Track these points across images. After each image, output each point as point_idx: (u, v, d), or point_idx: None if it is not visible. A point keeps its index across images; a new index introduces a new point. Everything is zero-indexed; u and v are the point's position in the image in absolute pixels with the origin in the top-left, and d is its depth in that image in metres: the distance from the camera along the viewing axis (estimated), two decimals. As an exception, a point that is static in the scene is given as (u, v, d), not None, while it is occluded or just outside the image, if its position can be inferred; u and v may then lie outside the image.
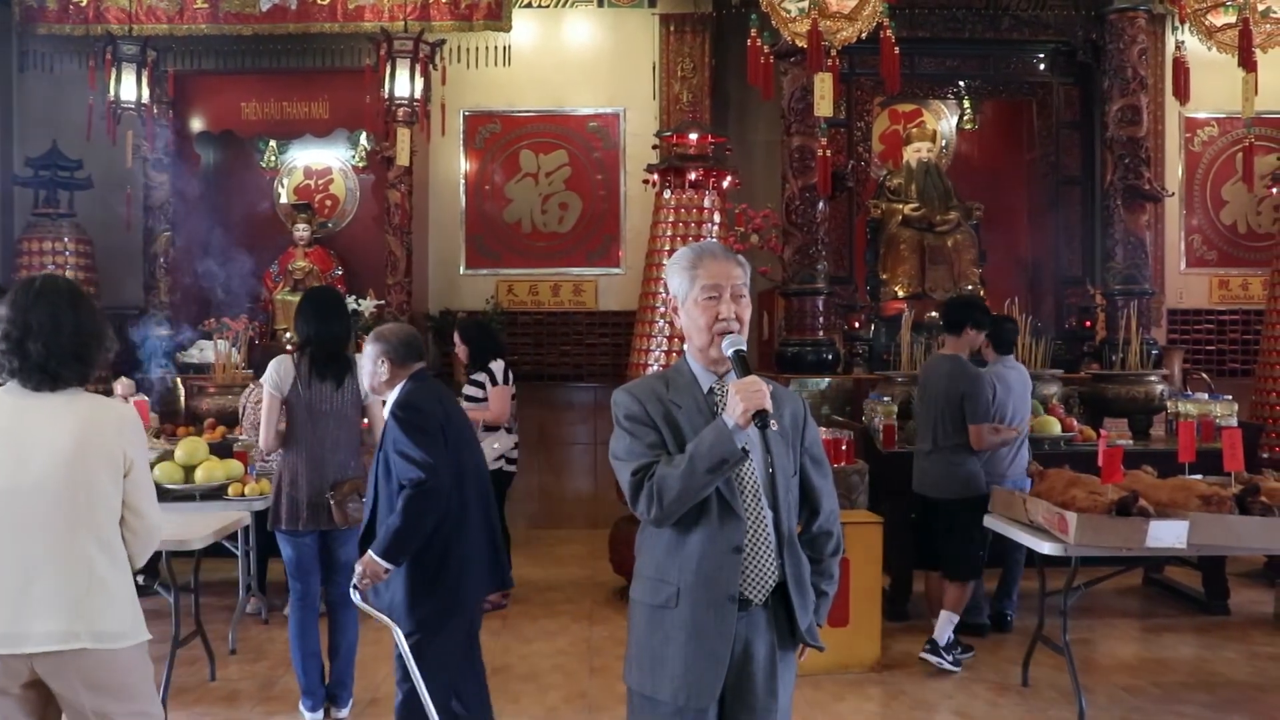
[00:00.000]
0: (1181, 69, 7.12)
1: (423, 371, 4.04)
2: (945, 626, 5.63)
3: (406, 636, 3.76)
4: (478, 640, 4.16)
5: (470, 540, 3.88)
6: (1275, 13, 6.79)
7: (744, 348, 2.57)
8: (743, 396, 2.43)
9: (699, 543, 2.56)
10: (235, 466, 5.86)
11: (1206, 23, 6.80)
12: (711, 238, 7.52)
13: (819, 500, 2.76)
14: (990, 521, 5.44)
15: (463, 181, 9.68)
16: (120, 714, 2.75)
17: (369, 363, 4.02)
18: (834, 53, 6.61)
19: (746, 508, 2.57)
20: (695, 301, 2.63)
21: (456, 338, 7.21)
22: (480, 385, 6.85)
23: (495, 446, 6.76)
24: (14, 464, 2.69)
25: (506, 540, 6.90)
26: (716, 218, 7.69)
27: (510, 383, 6.94)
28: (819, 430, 2.99)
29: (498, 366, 6.87)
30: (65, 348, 2.73)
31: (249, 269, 9.08)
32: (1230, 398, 7.47)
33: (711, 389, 2.64)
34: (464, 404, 6.84)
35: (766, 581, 2.60)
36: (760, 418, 2.43)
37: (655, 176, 7.83)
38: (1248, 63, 6.55)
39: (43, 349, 2.70)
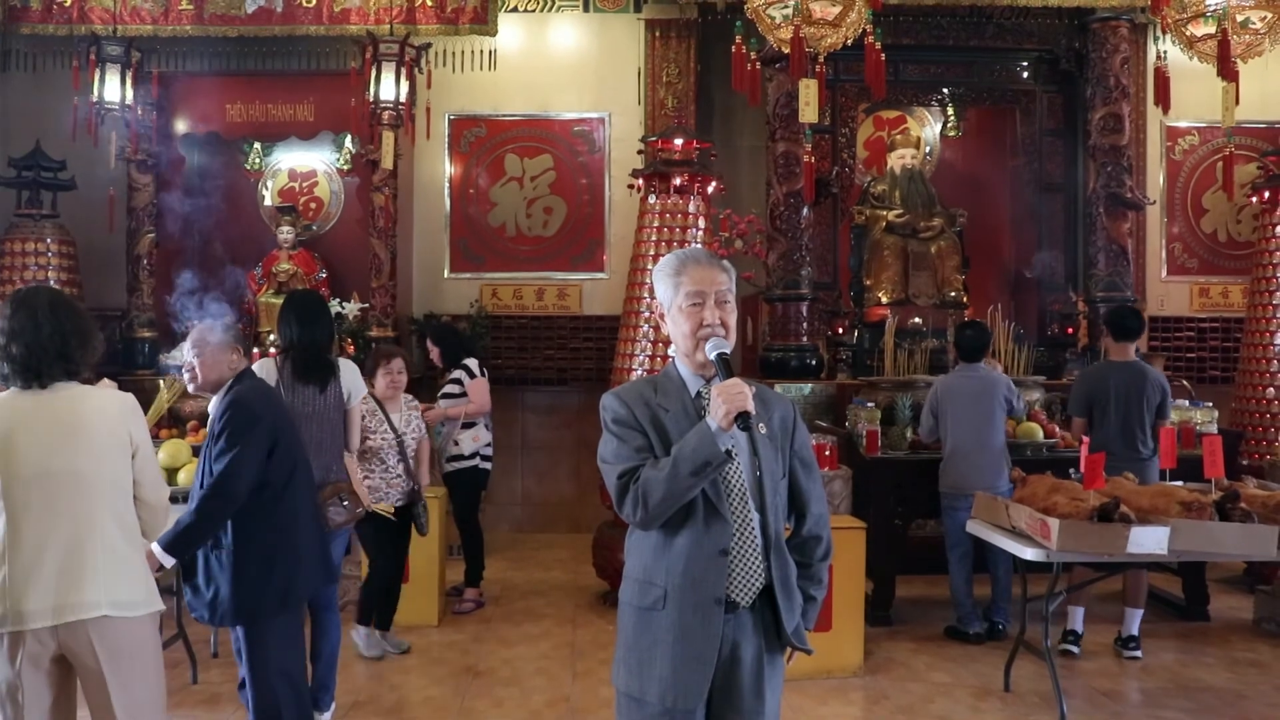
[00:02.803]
0: (1163, 78, 7.17)
1: (250, 370, 4.05)
2: (1134, 621, 6.01)
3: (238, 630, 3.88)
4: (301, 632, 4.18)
5: (303, 538, 3.89)
6: (1254, 24, 6.84)
7: (727, 350, 2.59)
8: (725, 399, 2.44)
9: (685, 545, 2.56)
10: (218, 469, 5.83)
11: (1187, 33, 6.84)
12: (696, 243, 7.54)
13: (807, 504, 2.77)
14: (973, 527, 5.46)
15: (447, 185, 9.67)
16: (130, 679, 3.03)
17: (214, 354, 3.91)
18: (820, 59, 6.63)
19: (733, 510, 2.58)
20: (680, 308, 2.65)
21: (428, 341, 7.36)
22: (458, 382, 6.97)
23: (474, 440, 6.84)
24: (21, 455, 2.97)
25: (480, 542, 7.01)
26: (701, 223, 7.70)
27: (485, 376, 7.08)
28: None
29: (473, 362, 7.04)
30: (46, 347, 3.02)
31: (233, 271, 9.06)
32: (1210, 405, 7.52)
33: (699, 393, 2.65)
34: (443, 402, 6.90)
35: (753, 584, 2.60)
36: (742, 419, 2.44)
37: (640, 181, 7.83)
38: (1227, 72, 6.60)
39: (25, 349, 3.01)
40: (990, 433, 6.24)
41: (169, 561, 3.64)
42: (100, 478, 3.04)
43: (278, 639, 3.87)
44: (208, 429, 3.90)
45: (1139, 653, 5.98)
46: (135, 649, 3.05)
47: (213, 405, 3.94)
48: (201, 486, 3.76)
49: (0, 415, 3.02)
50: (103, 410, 3.09)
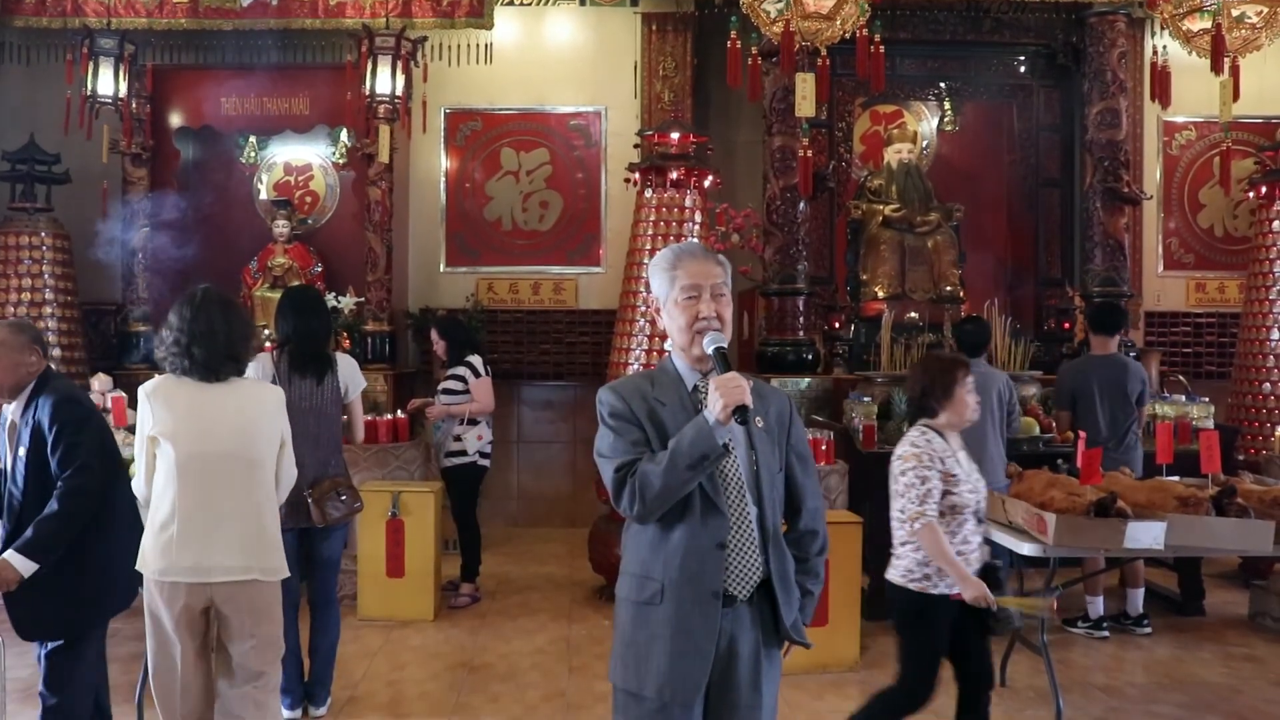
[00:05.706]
0: (1160, 73, 7.16)
1: (51, 370, 3.85)
2: (1137, 600, 6.37)
3: (54, 644, 3.70)
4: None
5: (118, 546, 3.70)
6: (1250, 19, 6.83)
7: (725, 344, 2.58)
8: (723, 392, 2.43)
9: (683, 539, 2.56)
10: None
11: (1184, 28, 6.84)
12: (692, 237, 7.53)
13: (803, 498, 2.77)
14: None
15: (443, 179, 9.64)
16: (265, 634, 3.52)
17: (8, 355, 3.68)
18: (823, 52, 6.61)
19: (730, 504, 2.58)
20: (676, 302, 2.65)
21: (434, 334, 7.28)
22: (460, 379, 6.92)
23: (478, 439, 6.83)
24: (200, 434, 3.44)
25: (478, 538, 6.98)
26: (697, 217, 7.69)
27: (489, 374, 7.04)
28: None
29: (477, 360, 6.98)
30: (222, 350, 3.50)
31: (227, 265, 9.05)
32: (1207, 400, 7.53)
33: (696, 387, 2.65)
34: (442, 398, 6.88)
35: (750, 577, 2.60)
36: (740, 413, 2.43)
37: (636, 175, 7.82)
38: (1219, 66, 6.59)
39: (204, 352, 3.47)
40: (992, 428, 6.26)
41: (30, 568, 3.49)
42: (258, 462, 3.53)
43: (94, 653, 3.78)
44: (16, 436, 3.69)
45: (1150, 628, 6.31)
46: (269, 607, 3.54)
47: (12, 410, 3.75)
48: (25, 491, 3.62)
49: (185, 401, 3.46)
50: (264, 405, 3.60)
